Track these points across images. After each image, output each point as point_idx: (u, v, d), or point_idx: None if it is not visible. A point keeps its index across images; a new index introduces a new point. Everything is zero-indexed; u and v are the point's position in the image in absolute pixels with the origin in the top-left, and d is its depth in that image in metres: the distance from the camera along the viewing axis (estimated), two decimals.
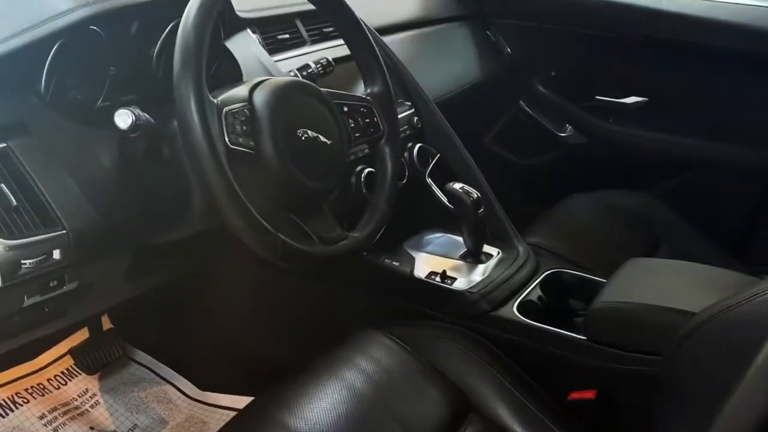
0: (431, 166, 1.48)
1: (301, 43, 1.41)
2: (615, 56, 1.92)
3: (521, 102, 2.08)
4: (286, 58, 1.33)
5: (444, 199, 1.45)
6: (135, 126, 0.86)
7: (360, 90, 1.13)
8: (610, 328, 1.14)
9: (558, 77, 2.01)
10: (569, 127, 2.05)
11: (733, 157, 1.80)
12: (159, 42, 1.04)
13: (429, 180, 1.48)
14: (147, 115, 0.89)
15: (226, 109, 0.87)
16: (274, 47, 1.34)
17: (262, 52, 1.27)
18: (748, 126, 1.76)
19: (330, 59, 1.16)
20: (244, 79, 1.15)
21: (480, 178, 1.46)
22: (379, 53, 1.12)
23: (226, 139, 0.86)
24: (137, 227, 1.00)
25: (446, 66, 1.80)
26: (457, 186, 1.30)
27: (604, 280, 1.30)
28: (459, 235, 1.39)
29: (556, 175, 2.10)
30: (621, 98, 1.92)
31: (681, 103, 1.86)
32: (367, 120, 1.08)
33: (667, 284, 1.17)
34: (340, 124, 1.02)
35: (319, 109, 1.00)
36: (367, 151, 1.13)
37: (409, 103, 1.48)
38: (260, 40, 1.32)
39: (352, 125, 1.06)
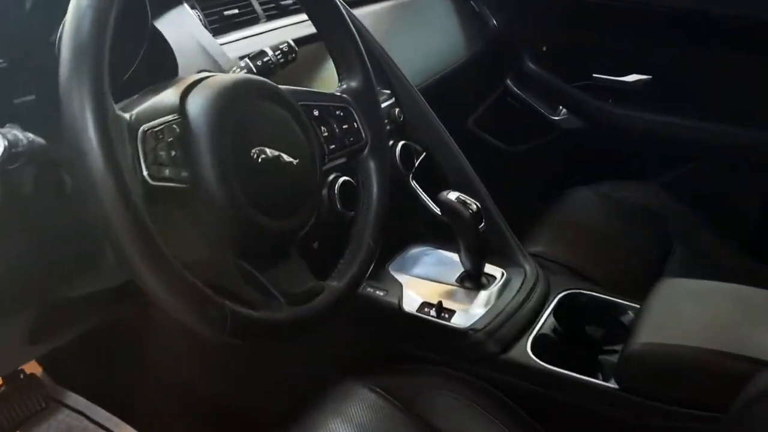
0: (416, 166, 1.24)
1: (254, 21, 1.14)
2: (615, 28, 1.68)
3: (508, 81, 1.83)
4: (235, 41, 1.06)
5: (432, 206, 1.21)
6: (10, 155, 0.59)
7: (333, 85, 0.87)
8: (650, 376, 0.92)
9: (550, 52, 1.77)
10: (563, 110, 1.81)
11: (750, 142, 1.59)
12: (63, 24, 0.76)
13: (414, 183, 1.24)
14: (32, 136, 0.62)
15: (144, 127, 0.61)
16: (219, 26, 1.07)
17: (203, 34, 1.00)
18: (763, 109, 1.55)
19: (292, 44, 0.89)
20: (181, 73, 0.88)
21: (475, 181, 1.22)
22: (357, 36, 0.86)
23: (145, 173, 0.60)
24: (36, 280, 0.73)
25: (426, 44, 1.54)
26: (452, 196, 1.06)
27: (624, 302, 1.12)
28: (452, 251, 1.15)
29: (550, 164, 1.87)
30: (621, 76, 1.70)
31: (690, 82, 1.64)
32: (345, 126, 0.82)
33: (720, 317, 0.95)
34: (309, 134, 0.76)
35: (281, 116, 0.73)
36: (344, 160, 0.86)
37: (388, 92, 1.22)
38: (201, 17, 1.04)
39: (326, 134, 0.80)
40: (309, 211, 0.74)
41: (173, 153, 0.62)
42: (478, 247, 1.07)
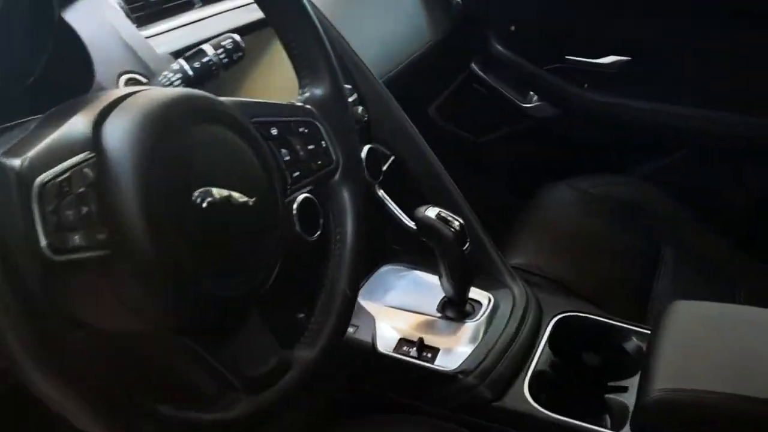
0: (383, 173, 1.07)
1: (186, 6, 0.95)
2: (589, 4, 1.53)
3: (473, 65, 1.67)
4: (164, 32, 0.87)
5: (404, 219, 1.05)
6: None
7: (292, 91, 0.69)
8: (674, 428, 0.79)
9: (518, 33, 1.62)
10: (534, 96, 1.66)
11: (739, 129, 1.47)
12: None
13: (382, 193, 1.07)
14: None
15: (42, 178, 0.43)
16: (144, 15, 0.87)
17: (124, 25, 0.80)
18: (758, 92, 1.43)
19: (238, 39, 0.70)
20: (98, 78, 0.69)
21: (453, 191, 1.06)
22: (320, 28, 0.68)
23: (43, 244, 0.42)
24: None
25: (387, 29, 1.36)
26: (431, 212, 0.90)
27: (626, 326, 0.99)
28: (430, 270, 1.00)
29: (520, 156, 1.72)
30: (598, 58, 1.56)
31: (675, 63, 1.51)
32: (311, 146, 0.64)
33: (746, 352, 0.82)
34: (267, 161, 0.58)
35: (230, 141, 0.55)
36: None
37: (349, 87, 1.04)
38: (121, 3, 0.84)
39: (288, 158, 0.62)
40: (271, 264, 0.57)
41: (84, 210, 0.44)
42: (463, 271, 0.92)
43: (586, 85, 1.59)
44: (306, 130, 0.63)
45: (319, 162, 0.64)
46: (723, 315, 0.91)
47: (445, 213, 0.90)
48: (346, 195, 0.67)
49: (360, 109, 1.03)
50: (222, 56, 0.68)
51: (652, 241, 1.34)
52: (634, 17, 1.51)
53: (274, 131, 0.60)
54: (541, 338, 0.96)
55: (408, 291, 1.00)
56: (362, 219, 0.67)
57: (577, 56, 1.57)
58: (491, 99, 1.67)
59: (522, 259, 1.18)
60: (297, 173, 0.62)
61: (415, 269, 1.04)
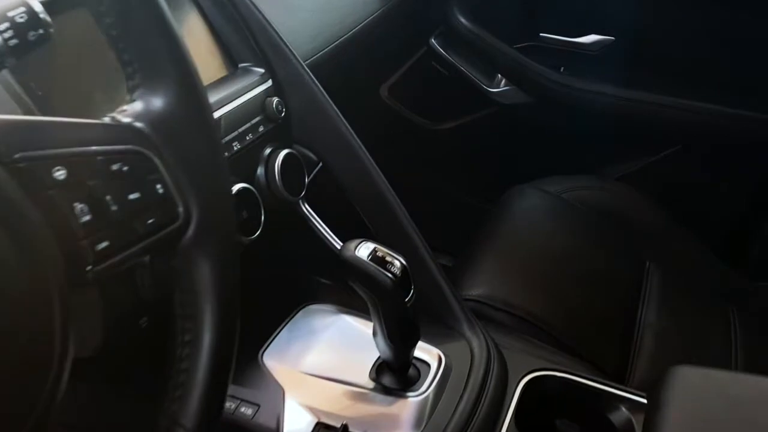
0: (308, 184, 0.83)
1: None
2: None
3: (432, 40, 1.42)
4: None
5: (333, 241, 0.82)
6: None
7: (115, 100, 0.43)
8: None
9: (486, 3, 1.37)
10: (501, 79, 1.42)
11: (739, 124, 1.25)
12: None
13: (306, 209, 0.83)
14: None
15: None
16: None
17: None
18: (757, 79, 1.22)
19: (36, 11, 0.43)
20: None
21: (398, 210, 0.82)
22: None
23: None
24: None
25: None
26: (363, 250, 0.66)
27: (613, 390, 0.78)
28: (365, 314, 0.77)
29: (484, 149, 1.48)
30: (577, 37, 1.32)
31: (664, 46, 1.28)
32: (135, 194, 0.38)
33: None
34: (33, 233, 0.32)
35: None
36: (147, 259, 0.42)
37: (262, 71, 0.79)
38: None
39: (87, 218, 0.36)
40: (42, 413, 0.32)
41: None
42: (405, 330, 0.68)
43: (562, 69, 1.36)
44: (126, 168, 0.38)
45: (151, 220, 0.39)
46: (729, 387, 0.70)
47: (382, 250, 0.66)
48: (202, 269, 0.41)
49: (276, 101, 0.77)
50: (9, 36, 0.41)
51: (636, 257, 1.13)
52: None
53: (60, 174, 0.35)
54: (507, 409, 0.73)
55: (333, 348, 0.76)
56: (231, 307, 0.42)
57: (553, 34, 1.34)
58: (452, 80, 1.43)
59: (483, 289, 0.95)
60: (105, 243, 0.36)
61: (346, 313, 0.80)
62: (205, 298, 0.41)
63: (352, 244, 0.67)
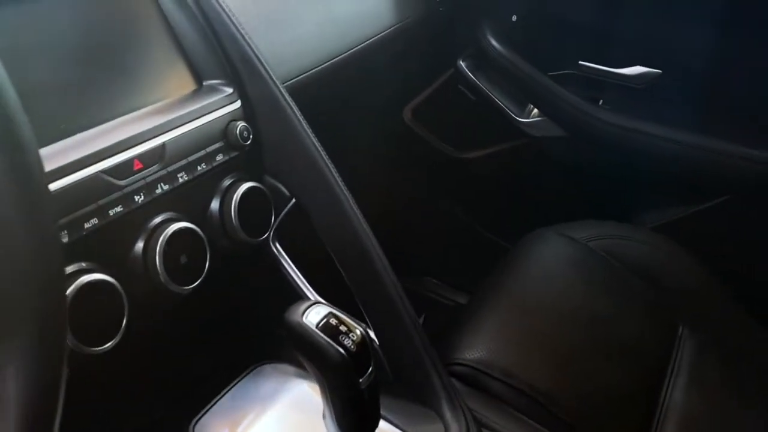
0: (277, 222, 0.72)
1: None
2: None
3: (461, 62, 1.30)
4: None
5: (304, 286, 0.71)
6: None
7: None
8: None
9: (522, 26, 1.24)
10: (533, 109, 1.29)
11: None
12: None
13: (275, 248, 0.73)
14: None
15: None
16: None
17: None
18: None
19: None
20: None
21: (376, 261, 0.70)
22: None
23: None
24: None
25: (342, 1, 0.99)
26: (314, 315, 0.55)
27: None
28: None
29: (509, 183, 1.35)
30: (619, 67, 1.18)
31: (718, 84, 1.13)
32: None
33: None
34: None
35: None
36: None
37: (230, 90, 0.68)
38: None
39: None
40: None
41: None
42: (359, 415, 0.56)
43: (601, 102, 1.22)
44: None
45: None
46: None
47: (338, 318, 0.55)
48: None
49: (240, 126, 0.67)
50: None
51: (668, 321, 0.98)
52: (674, 18, 1.13)
53: None
54: None
55: (282, 421, 0.64)
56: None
57: (593, 62, 1.20)
58: (480, 106, 1.30)
59: (481, 352, 0.83)
60: None
61: (307, 378, 0.68)
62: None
63: (300, 307, 0.55)
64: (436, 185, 1.44)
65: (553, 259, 1.03)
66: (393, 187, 1.48)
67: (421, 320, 1.40)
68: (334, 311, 0.55)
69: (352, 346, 0.54)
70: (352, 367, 0.54)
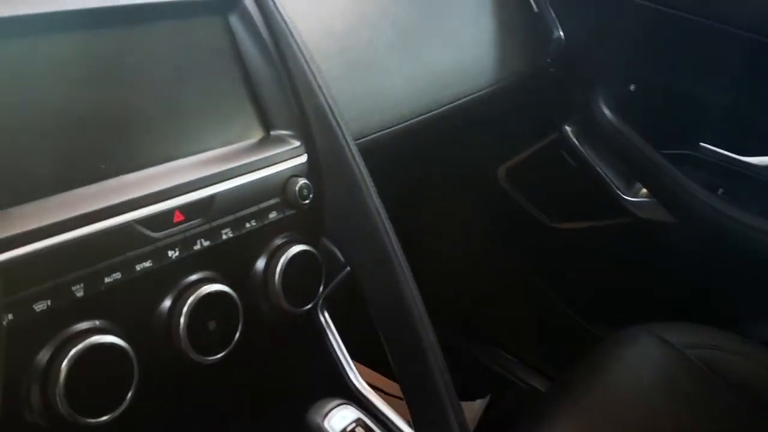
0: (327, 291, 0.65)
1: None
2: (754, 73, 1.03)
3: (566, 126, 1.20)
4: None
5: (347, 365, 0.64)
6: None
7: None
8: None
9: (639, 95, 1.13)
10: (641, 187, 1.17)
11: None
12: None
13: (323, 319, 0.66)
14: None
15: None
16: None
17: None
18: None
19: None
20: None
21: (428, 351, 0.61)
22: None
23: None
24: None
25: (444, 47, 0.93)
26: (338, 420, 0.48)
27: None
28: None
29: (605, 264, 1.24)
30: (746, 155, 1.05)
31: None
32: None
33: None
34: None
35: None
36: None
37: (298, 143, 0.63)
38: None
39: None
40: None
41: None
42: None
43: (721, 191, 1.08)
44: None
45: None
46: None
47: (366, 425, 0.47)
48: None
49: (301, 183, 0.61)
50: None
51: None
52: None
53: None
54: None
55: None
56: None
57: (716, 146, 1.07)
58: (582, 176, 1.20)
59: None
60: None
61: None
62: None
63: (325, 407, 0.48)
64: (523, 252, 1.34)
65: (643, 365, 0.92)
66: (476, 246, 1.40)
67: (485, 402, 1.30)
68: (364, 417, 0.48)
69: None
70: None
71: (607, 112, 1.14)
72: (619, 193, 1.17)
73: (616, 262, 1.22)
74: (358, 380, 0.67)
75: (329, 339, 0.67)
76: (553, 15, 1.10)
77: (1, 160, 0.45)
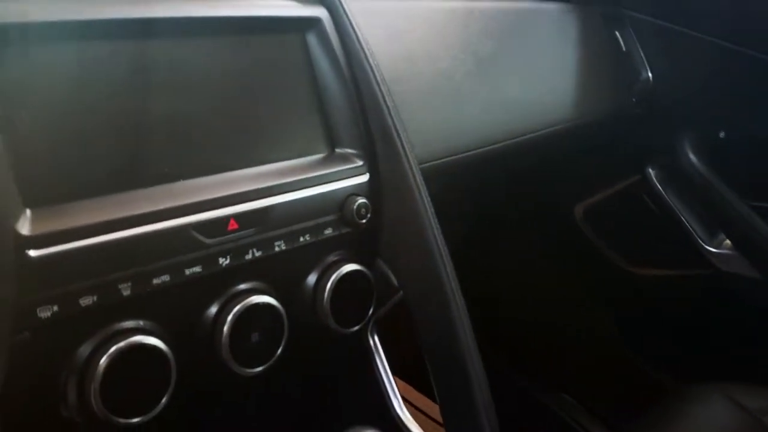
0: (377, 313, 0.65)
1: None
2: None
3: (650, 170, 1.16)
4: None
5: (392, 392, 0.63)
6: None
7: None
8: None
9: (729, 143, 1.08)
10: (725, 239, 1.11)
11: None
12: None
13: (371, 341, 0.65)
14: None
15: None
16: None
17: None
18: None
19: None
20: None
21: (473, 384, 0.60)
22: None
23: None
24: None
25: (519, 83, 0.92)
26: None
27: None
28: None
29: (682, 315, 1.18)
30: None
31: None
32: None
33: None
34: None
35: None
36: None
37: (361, 162, 0.62)
38: None
39: None
40: None
41: None
42: None
43: None
44: None
45: None
46: None
47: None
48: None
49: (359, 202, 0.60)
50: None
51: None
52: None
53: None
54: None
55: None
56: None
57: None
58: (663, 222, 1.15)
59: None
60: None
61: None
62: None
63: None
64: (595, 294, 1.30)
65: (715, 429, 0.86)
66: (544, 283, 1.36)
67: None
68: None
69: None
70: None
71: (693, 158, 1.09)
72: (702, 243, 1.12)
73: (692, 314, 1.16)
74: (401, 409, 0.65)
75: (376, 363, 0.66)
76: (642, 55, 1.07)
77: (68, 156, 0.46)
